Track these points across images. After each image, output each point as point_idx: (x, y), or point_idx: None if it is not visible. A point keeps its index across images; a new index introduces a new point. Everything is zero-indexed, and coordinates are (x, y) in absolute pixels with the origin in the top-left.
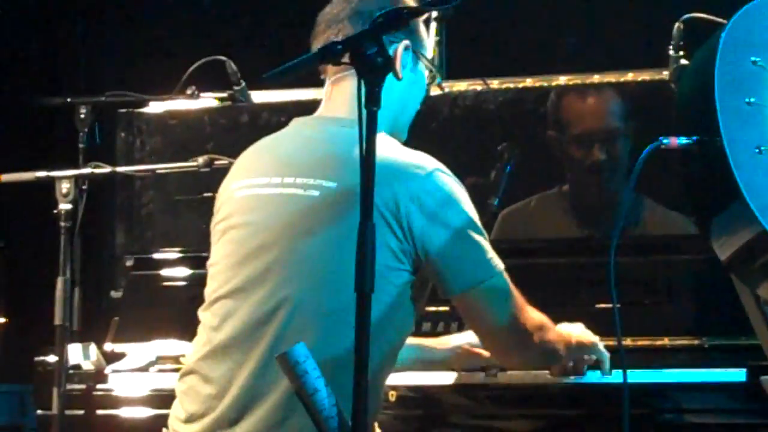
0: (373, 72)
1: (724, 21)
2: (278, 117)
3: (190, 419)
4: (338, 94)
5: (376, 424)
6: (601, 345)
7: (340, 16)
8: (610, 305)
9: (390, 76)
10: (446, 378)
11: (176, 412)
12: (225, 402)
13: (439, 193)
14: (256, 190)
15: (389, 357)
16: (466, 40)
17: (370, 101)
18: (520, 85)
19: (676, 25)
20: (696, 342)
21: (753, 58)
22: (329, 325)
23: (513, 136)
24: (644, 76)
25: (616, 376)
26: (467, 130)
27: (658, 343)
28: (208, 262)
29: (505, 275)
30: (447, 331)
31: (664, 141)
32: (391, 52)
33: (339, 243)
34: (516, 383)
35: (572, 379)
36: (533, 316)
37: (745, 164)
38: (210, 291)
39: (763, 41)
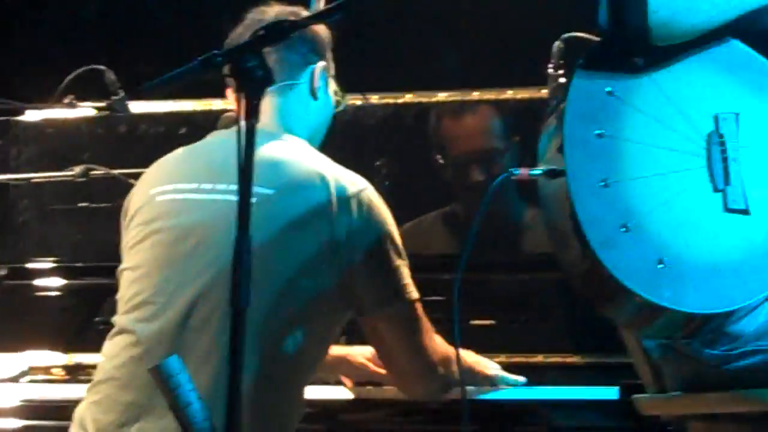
0: (252, 85)
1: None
2: (156, 128)
3: (107, 429)
4: (263, 108)
5: None
6: (503, 374)
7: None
8: (485, 321)
9: (307, 96)
10: (337, 392)
11: (84, 423)
12: (149, 411)
13: (368, 214)
14: (185, 195)
15: (310, 367)
16: (346, 55)
17: (250, 114)
18: (400, 101)
19: (556, 43)
20: (570, 359)
21: (608, 89)
22: (265, 331)
23: (392, 151)
24: (524, 94)
25: (504, 393)
26: (346, 145)
27: (533, 360)
28: (124, 266)
29: (418, 304)
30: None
31: (515, 171)
32: (309, 72)
33: (272, 248)
34: (393, 398)
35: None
36: (441, 347)
37: (587, 198)
38: (132, 294)
39: (619, 72)
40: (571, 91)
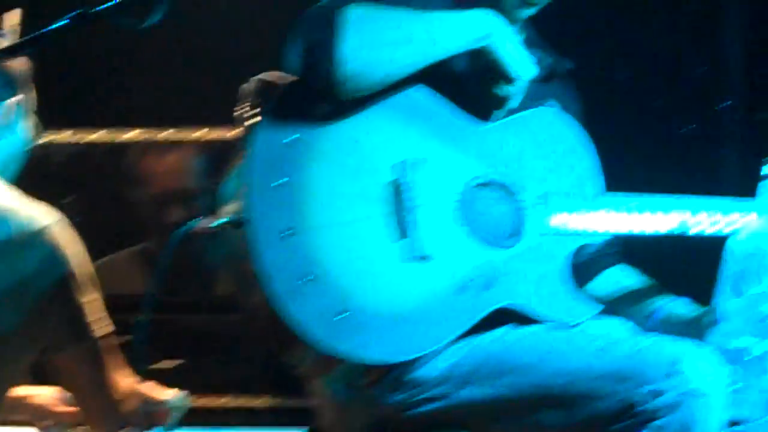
0: None
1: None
2: None
3: None
4: None
5: None
6: (174, 400)
7: None
8: (174, 362)
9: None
10: None
11: None
12: None
13: (54, 250)
14: None
15: None
16: (41, 91)
17: None
18: (89, 138)
19: (245, 85)
20: (258, 402)
21: (294, 136)
22: None
23: (83, 188)
24: (217, 134)
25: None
26: (33, 183)
27: (220, 402)
28: None
29: (107, 340)
30: None
31: (193, 224)
32: (3, 105)
33: None
34: None
35: None
36: (128, 384)
37: (269, 248)
38: None
39: (302, 121)
40: (255, 138)
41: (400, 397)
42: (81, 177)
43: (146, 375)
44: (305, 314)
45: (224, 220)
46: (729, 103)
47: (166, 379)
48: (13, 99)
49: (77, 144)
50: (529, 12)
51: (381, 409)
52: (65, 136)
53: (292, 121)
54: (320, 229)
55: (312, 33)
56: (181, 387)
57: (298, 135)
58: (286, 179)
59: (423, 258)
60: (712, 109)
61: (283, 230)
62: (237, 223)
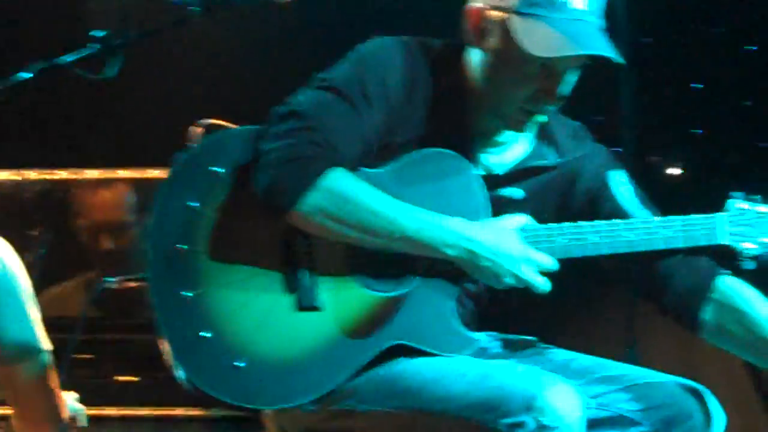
0: None
1: (233, 126)
2: None
3: None
4: None
5: None
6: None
7: None
8: (130, 377)
9: None
10: None
11: None
12: None
13: (2, 267)
14: None
15: None
16: (5, 133)
17: None
18: (55, 177)
19: (192, 127)
20: (206, 412)
21: (189, 203)
22: None
23: (47, 222)
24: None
25: None
26: (4, 217)
27: (174, 412)
28: None
29: (50, 355)
30: None
31: (109, 279)
32: None
33: None
34: None
35: None
36: (57, 393)
37: (168, 307)
38: None
39: (203, 185)
40: (156, 202)
41: (317, 407)
42: (46, 211)
43: (105, 390)
44: (203, 368)
45: (134, 276)
46: None
47: (123, 393)
48: None
49: (43, 182)
50: (540, 119)
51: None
52: (32, 175)
53: (189, 186)
54: (217, 287)
55: (291, 172)
56: (137, 401)
57: (195, 203)
58: (184, 244)
59: (312, 308)
60: None
61: (182, 291)
62: (144, 280)
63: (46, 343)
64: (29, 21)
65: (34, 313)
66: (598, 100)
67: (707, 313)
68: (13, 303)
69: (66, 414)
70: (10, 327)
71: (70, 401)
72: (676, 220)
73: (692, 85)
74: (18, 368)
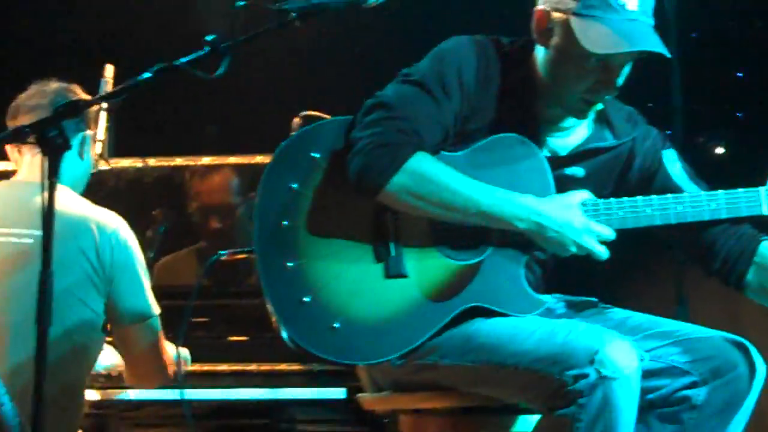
0: (53, 150)
1: (329, 117)
2: None
3: None
4: (35, 166)
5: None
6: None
7: (40, 105)
8: (240, 337)
9: (76, 156)
10: None
11: None
12: None
13: (124, 246)
14: None
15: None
16: (129, 125)
17: (51, 173)
18: (172, 164)
19: (295, 119)
20: (306, 367)
21: (291, 185)
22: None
23: (166, 203)
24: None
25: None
26: (129, 198)
27: (278, 367)
28: None
29: (158, 317)
30: None
31: (222, 253)
32: (80, 138)
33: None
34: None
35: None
36: (168, 350)
37: (273, 278)
38: None
39: (302, 168)
40: (261, 185)
41: (404, 361)
42: (164, 195)
43: (220, 349)
44: (304, 331)
45: (246, 250)
46: None
47: (235, 351)
48: (88, 132)
49: (162, 168)
50: (598, 107)
51: (397, 370)
52: (151, 162)
53: (291, 169)
54: (314, 259)
55: (380, 156)
56: (246, 357)
57: (295, 185)
58: (287, 221)
59: (401, 275)
60: None
61: (284, 262)
62: (252, 253)
63: (156, 309)
64: (147, 29)
65: (146, 282)
66: (651, 88)
67: (751, 275)
68: (129, 274)
69: (172, 369)
70: (126, 295)
71: (174, 350)
72: (720, 194)
73: (736, 73)
74: (132, 330)
